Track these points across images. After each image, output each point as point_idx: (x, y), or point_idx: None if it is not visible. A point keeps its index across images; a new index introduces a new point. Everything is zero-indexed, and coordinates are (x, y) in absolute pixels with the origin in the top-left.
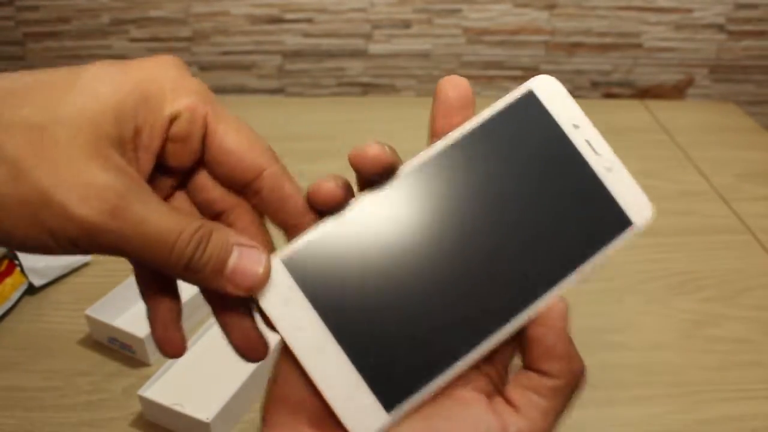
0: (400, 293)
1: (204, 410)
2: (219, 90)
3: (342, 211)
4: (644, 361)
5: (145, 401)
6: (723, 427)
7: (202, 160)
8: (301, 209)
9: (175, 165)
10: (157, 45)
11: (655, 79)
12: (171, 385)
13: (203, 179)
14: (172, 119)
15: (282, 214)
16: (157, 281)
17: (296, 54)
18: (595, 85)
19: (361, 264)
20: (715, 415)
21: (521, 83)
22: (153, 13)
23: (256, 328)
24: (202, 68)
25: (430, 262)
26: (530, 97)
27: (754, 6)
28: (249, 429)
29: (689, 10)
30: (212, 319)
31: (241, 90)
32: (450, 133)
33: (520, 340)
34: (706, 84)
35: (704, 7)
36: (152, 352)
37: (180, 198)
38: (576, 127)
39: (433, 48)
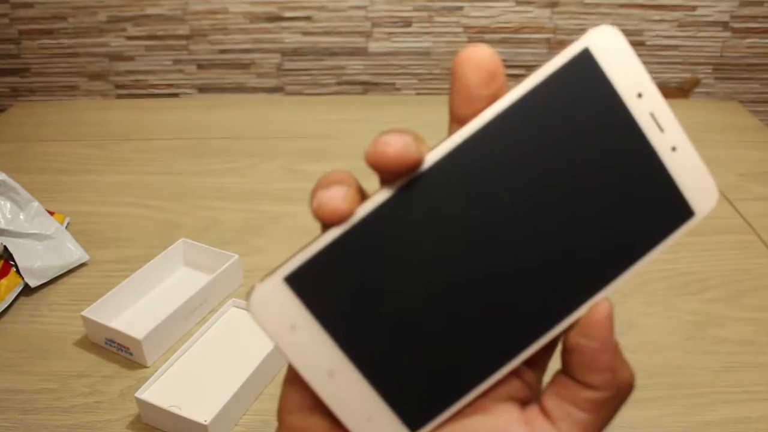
0: (421, 305)
1: (202, 412)
2: (217, 89)
3: (352, 216)
4: (648, 363)
5: (142, 403)
6: (727, 429)
7: None
8: None
9: None
10: (154, 43)
11: (659, 78)
12: (168, 388)
13: None
14: None
15: None
16: None
17: (295, 52)
18: None
19: (375, 275)
20: (719, 417)
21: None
22: (150, 11)
23: None
24: (200, 67)
25: (456, 268)
26: (586, 58)
27: (759, 2)
28: (247, 431)
29: (693, 8)
30: (210, 320)
31: (240, 89)
32: (483, 113)
33: (559, 342)
34: (709, 82)
35: (708, 4)
36: (149, 354)
37: None
38: (640, 96)
39: (434, 46)
